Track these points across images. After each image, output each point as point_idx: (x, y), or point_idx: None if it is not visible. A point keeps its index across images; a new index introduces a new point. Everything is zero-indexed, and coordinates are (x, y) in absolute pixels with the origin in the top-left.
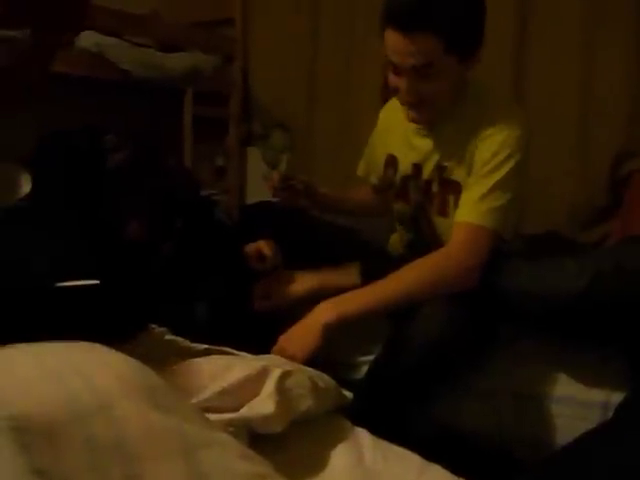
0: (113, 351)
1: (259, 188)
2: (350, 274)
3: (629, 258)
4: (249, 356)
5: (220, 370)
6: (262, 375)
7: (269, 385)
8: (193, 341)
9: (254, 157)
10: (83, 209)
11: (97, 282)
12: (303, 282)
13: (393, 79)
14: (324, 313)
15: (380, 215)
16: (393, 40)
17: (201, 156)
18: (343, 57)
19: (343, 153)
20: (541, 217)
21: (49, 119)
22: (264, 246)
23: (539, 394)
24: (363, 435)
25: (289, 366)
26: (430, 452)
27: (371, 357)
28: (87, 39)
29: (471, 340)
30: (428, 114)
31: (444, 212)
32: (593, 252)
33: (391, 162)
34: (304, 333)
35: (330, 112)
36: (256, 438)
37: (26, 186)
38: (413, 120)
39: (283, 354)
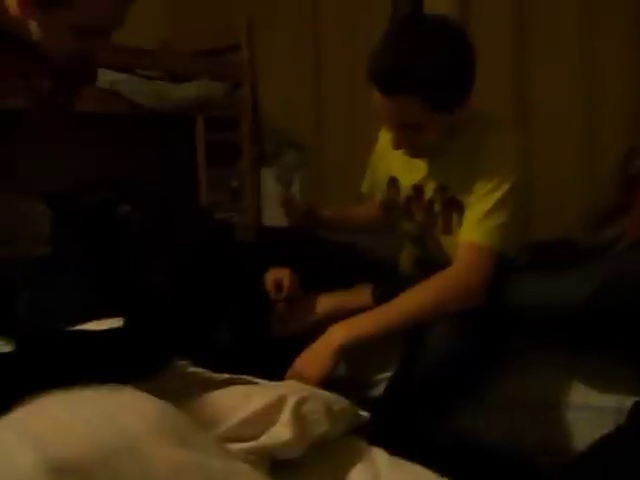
0: (138, 392)
1: (274, 208)
2: (363, 295)
3: (632, 265)
4: (267, 383)
5: (239, 401)
6: (279, 403)
7: (286, 413)
8: (215, 368)
9: (269, 178)
10: (103, 267)
11: (119, 325)
12: (318, 306)
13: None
14: (337, 335)
15: (387, 228)
16: (377, 98)
17: (217, 179)
18: (347, 73)
19: (354, 168)
20: (553, 222)
21: (70, 155)
22: (282, 276)
23: (553, 402)
24: (379, 454)
25: (305, 392)
26: (448, 466)
27: (388, 374)
28: (101, 77)
29: (482, 353)
30: (419, 154)
31: (448, 230)
32: (599, 260)
33: (393, 184)
34: (318, 356)
35: (339, 128)
36: (277, 463)
37: (47, 224)
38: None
39: (299, 377)
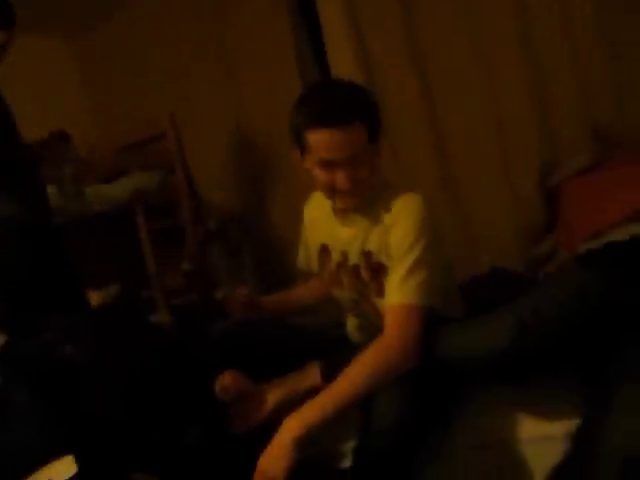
0: None
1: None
2: (312, 375)
3: (545, 303)
4: None
5: None
6: None
7: None
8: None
9: (217, 253)
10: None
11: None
12: (270, 396)
13: (323, 175)
14: (290, 429)
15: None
16: (327, 137)
17: (168, 263)
18: (267, 136)
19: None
20: (490, 245)
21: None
22: (225, 378)
23: (507, 439)
24: None
25: None
26: None
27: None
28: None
29: (430, 409)
30: (357, 199)
31: (382, 294)
32: (517, 300)
33: (324, 251)
34: (277, 452)
35: (277, 195)
36: None
37: None
38: (342, 207)
39: (265, 477)
